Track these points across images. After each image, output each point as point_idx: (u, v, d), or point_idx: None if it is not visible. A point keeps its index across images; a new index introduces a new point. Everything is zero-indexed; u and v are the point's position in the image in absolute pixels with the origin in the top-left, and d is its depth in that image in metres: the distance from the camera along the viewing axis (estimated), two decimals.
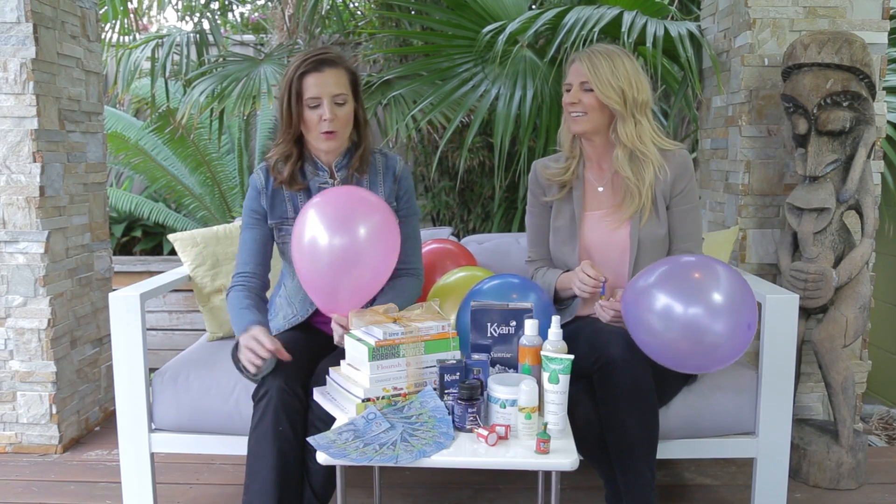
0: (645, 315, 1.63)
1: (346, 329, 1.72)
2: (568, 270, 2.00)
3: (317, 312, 2.00)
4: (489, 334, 1.62)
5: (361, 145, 1.95)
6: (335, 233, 1.70)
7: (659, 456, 1.78)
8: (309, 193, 1.94)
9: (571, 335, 1.68)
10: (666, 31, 2.73)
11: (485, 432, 1.43)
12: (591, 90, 1.90)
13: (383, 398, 1.53)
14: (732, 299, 1.58)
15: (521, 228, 3.58)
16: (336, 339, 1.76)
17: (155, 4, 4.47)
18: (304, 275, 1.77)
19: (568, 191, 2.03)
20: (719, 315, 1.56)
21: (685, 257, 1.73)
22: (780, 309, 1.94)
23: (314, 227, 1.71)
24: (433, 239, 2.49)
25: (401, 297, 1.89)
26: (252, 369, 1.74)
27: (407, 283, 1.96)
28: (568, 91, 1.96)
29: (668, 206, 1.97)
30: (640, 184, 1.93)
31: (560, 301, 2.03)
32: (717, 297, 1.57)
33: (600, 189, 2.02)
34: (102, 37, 3.81)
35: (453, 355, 1.58)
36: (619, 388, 1.69)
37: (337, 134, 1.87)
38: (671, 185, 1.96)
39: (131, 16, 4.16)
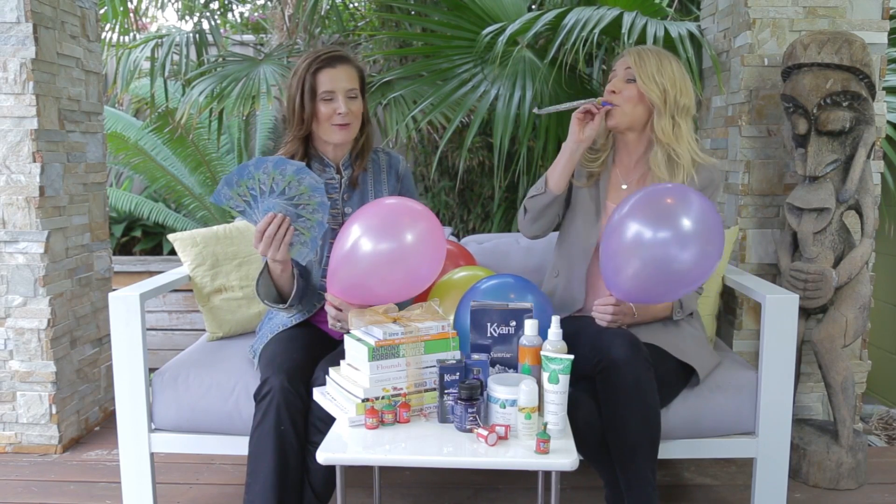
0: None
1: (338, 309, 1.78)
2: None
3: (319, 312, 2.01)
4: (489, 334, 1.62)
5: (365, 143, 2.01)
6: (382, 238, 1.70)
7: (659, 456, 1.78)
8: None
9: (573, 335, 1.68)
10: (666, 31, 2.73)
11: (485, 432, 1.43)
12: (634, 80, 1.92)
13: (383, 398, 1.53)
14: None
15: None
16: (330, 322, 1.81)
17: (151, 5, 4.46)
18: (337, 258, 1.75)
19: (595, 181, 2.05)
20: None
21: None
22: (780, 309, 1.94)
23: (361, 227, 1.72)
24: None
25: None
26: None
27: None
28: (611, 80, 1.98)
29: None
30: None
31: (550, 193, 2.00)
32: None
33: (624, 187, 2.03)
34: (102, 37, 3.81)
35: (453, 355, 1.58)
36: (621, 388, 1.70)
37: (350, 127, 1.93)
38: None
39: (131, 16, 4.16)
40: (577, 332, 1.85)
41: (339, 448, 1.44)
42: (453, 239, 2.62)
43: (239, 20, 5.22)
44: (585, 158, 2.06)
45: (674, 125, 1.93)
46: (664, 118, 1.92)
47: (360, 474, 2.28)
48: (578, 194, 2.07)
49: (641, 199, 1.77)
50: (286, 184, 1.72)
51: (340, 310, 1.79)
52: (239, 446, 1.92)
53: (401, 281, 1.74)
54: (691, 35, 2.79)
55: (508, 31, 2.90)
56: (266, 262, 1.84)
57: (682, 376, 1.92)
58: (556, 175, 1.98)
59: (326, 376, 1.68)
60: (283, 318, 2.01)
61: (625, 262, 1.74)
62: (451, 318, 1.99)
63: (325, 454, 1.41)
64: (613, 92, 1.95)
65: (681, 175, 1.93)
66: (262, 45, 4.64)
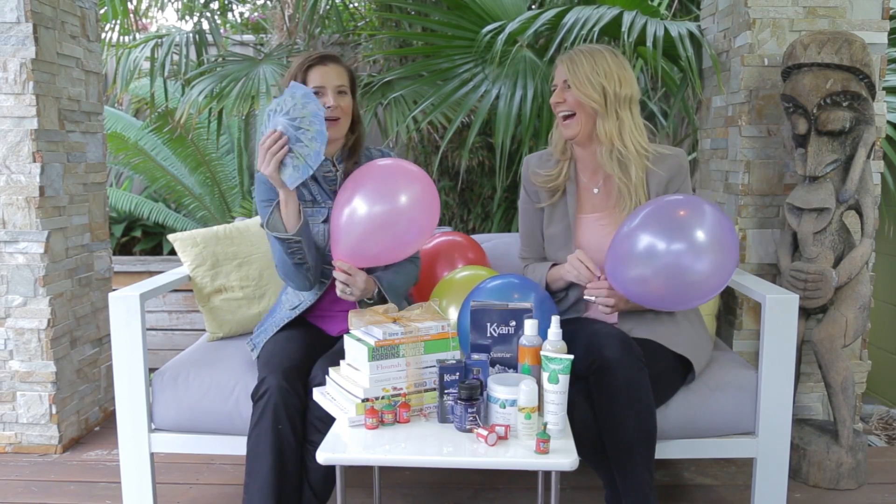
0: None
1: (347, 274, 1.83)
2: (556, 264, 2.01)
3: (316, 307, 2.02)
4: (489, 334, 1.62)
5: (357, 140, 2.06)
6: (382, 198, 1.78)
7: (659, 456, 1.78)
8: (316, 181, 2.02)
9: (567, 337, 1.68)
10: (666, 30, 2.73)
11: (485, 432, 1.43)
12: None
13: (383, 398, 1.53)
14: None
15: None
16: (339, 290, 1.86)
17: (152, 5, 4.46)
18: (340, 223, 1.81)
19: (561, 195, 2.03)
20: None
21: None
22: (780, 309, 1.94)
23: (361, 191, 1.79)
24: (441, 232, 2.52)
25: (400, 275, 2.01)
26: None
27: (405, 264, 2.04)
28: (553, 91, 1.98)
29: None
30: (628, 182, 1.93)
31: (551, 293, 2.03)
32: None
33: (595, 191, 2.02)
34: (102, 37, 3.81)
35: (453, 355, 1.58)
36: (615, 388, 1.69)
37: (339, 122, 1.97)
38: (665, 187, 1.96)
39: (131, 16, 4.16)
40: (571, 333, 1.84)
41: (338, 448, 1.44)
42: None
43: (239, 20, 5.22)
44: (545, 178, 2.04)
45: (618, 120, 1.92)
46: (608, 119, 1.91)
47: (360, 474, 2.29)
48: (549, 211, 2.05)
49: (653, 212, 1.75)
50: (292, 104, 1.78)
51: (350, 274, 1.82)
52: (239, 446, 1.91)
53: (398, 234, 1.81)
54: (691, 35, 2.79)
55: (507, 30, 2.90)
56: (277, 202, 1.89)
57: (679, 371, 1.92)
58: (558, 286, 2.01)
59: (326, 376, 1.68)
60: (286, 312, 2.02)
61: (640, 272, 1.72)
62: (455, 317, 2.01)
63: (325, 454, 1.41)
64: (559, 103, 1.94)
65: (633, 170, 1.92)
66: (262, 45, 4.64)
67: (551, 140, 2.08)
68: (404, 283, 2.06)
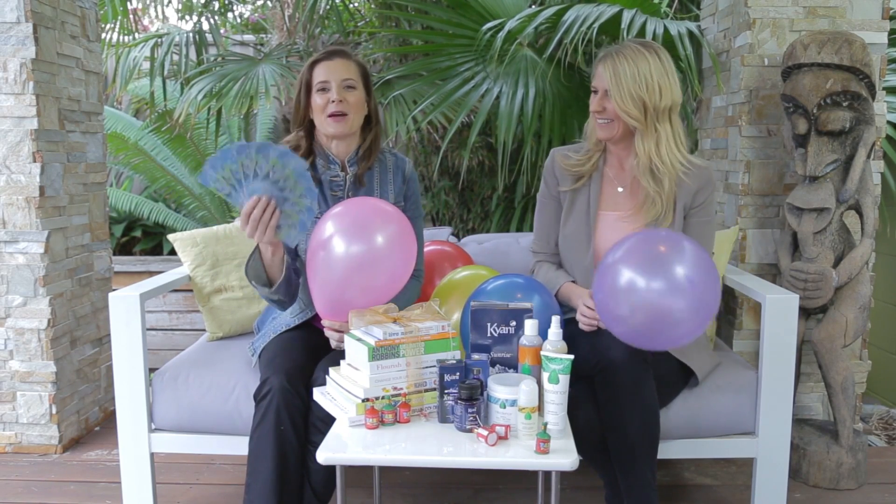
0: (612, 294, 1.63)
1: (338, 331, 1.77)
2: (573, 281, 1.98)
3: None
4: (489, 334, 1.62)
5: (373, 141, 1.98)
6: (352, 240, 1.66)
7: (659, 456, 1.78)
8: (321, 186, 1.96)
9: (572, 337, 1.68)
10: (665, 29, 2.72)
11: (485, 432, 1.43)
12: None
13: (383, 398, 1.53)
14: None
15: (520, 228, 3.58)
16: (333, 344, 1.80)
17: (152, 5, 4.46)
18: (316, 278, 1.73)
19: (585, 182, 1.99)
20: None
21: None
22: (780, 309, 1.94)
23: (331, 233, 1.68)
24: (431, 240, 2.49)
25: (401, 298, 1.91)
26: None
27: (407, 284, 1.97)
28: (595, 93, 1.92)
29: (685, 216, 1.95)
30: (661, 190, 1.90)
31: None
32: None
33: (620, 189, 1.99)
34: (102, 37, 3.81)
35: (453, 355, 1.58)
36: (620, 389, 1.69)
37: (347, 118, 1.89)
38: (693, 197, 1.93)
39: (131, 16, 4.16)
40: (577, 333, 1.84)
41: (339, 448, 1.44)
42: (453, 240, 2.62)
43: (239, 20, 5.22)
44: (574, 163, 2.00)
45: (656, 133, 1.86)
46: (647, 135, 1.86)
47: (360, 474, 2.29)
48: (570, 200, 2.01)
49: (635, 246, 1.64)
50: (270, 167, 1.67)
51: (342, 331, 1.77)
52: (239, 446, 1.92)
53: (381, 286, 1.71)
54: (691, 34, 2.79)
55: (507, 28, 2.90)
56: (257, 244, 1.79)
57: (682, 376, 1.92)
58: (568, 305, 1.97)
59: (326, 376, 1.68)
60: (287, 318, 2.00)
61: (619, 310, 1.63)
62: (456, 317, 2.00)
63: (325, 454, 1.41)
64: (599, 112, 1.89)
65: (667, 182, 1.89)
66: (262, 45, 4.64)
67: (586, 130, 2.02)
68: (406, 304, 1.96)
